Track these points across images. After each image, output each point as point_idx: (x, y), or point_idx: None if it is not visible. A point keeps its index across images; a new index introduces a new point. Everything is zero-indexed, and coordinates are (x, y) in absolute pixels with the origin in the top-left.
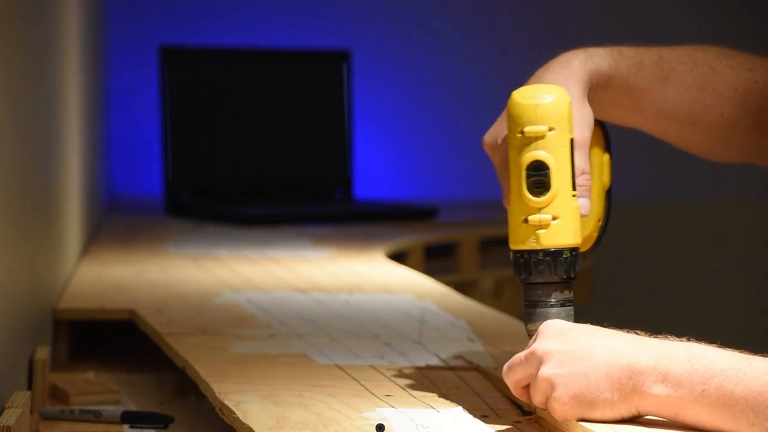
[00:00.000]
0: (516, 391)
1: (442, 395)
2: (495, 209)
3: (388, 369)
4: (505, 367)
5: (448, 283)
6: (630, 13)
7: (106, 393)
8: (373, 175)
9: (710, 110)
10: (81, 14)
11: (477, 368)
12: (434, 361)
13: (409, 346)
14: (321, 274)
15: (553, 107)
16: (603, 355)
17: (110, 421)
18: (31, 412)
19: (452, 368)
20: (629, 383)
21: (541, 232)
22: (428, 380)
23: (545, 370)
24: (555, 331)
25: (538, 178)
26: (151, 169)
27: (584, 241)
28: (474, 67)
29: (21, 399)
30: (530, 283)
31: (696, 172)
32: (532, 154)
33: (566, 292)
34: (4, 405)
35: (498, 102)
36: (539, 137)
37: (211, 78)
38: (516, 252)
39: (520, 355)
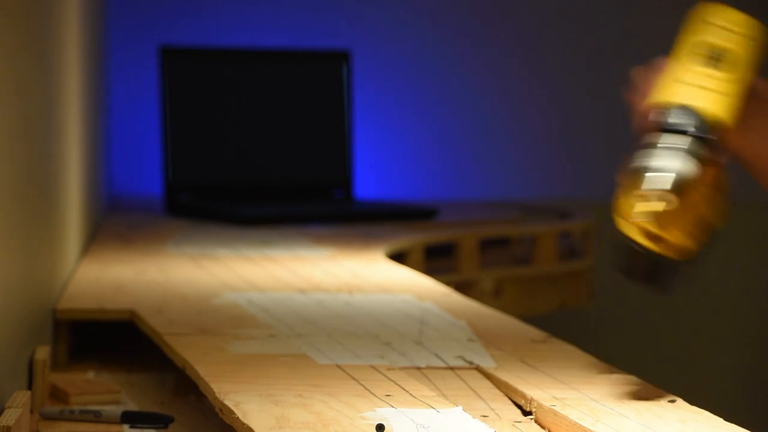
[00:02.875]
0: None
1: (442, 395)
2: (495, 209)
3: (388, 369)
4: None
5: (448, 283)
6: (631, 14)
7: (106, 393)
8: (373, 175)
9: None
10: (81, 14)
11: (477, 368)
12: (434, 361)
13: (409, 346)
14: (321, 274)
15: (752, 22)
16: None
17: (110, 421)
18: (31, 412)
19: (452, 368)
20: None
21: (706, 93)
22: (428, 380)
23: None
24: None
25: (718, 56)
26: (151, 169)
27: (692, 242)
28: (474, 67)
29: (21, 399)
30: (671, 130)
31: None
32: (720, 39)
33: (699, 149)
34: (4, 405)
35: (498, 102)
36: (727, 30)
37: (211, 78)
38: (665, 105)
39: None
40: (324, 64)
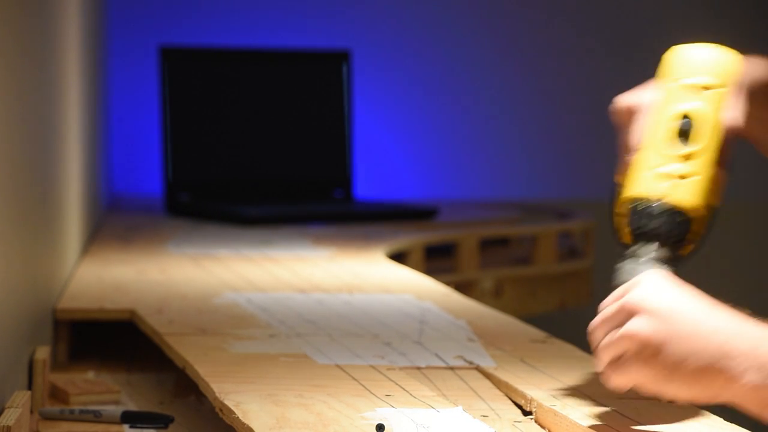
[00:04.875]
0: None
1: (442, 395)
2: (495, 209)
3: (388, 369)
4: (592, 323)
5: (448, 283)
6: (631, 14)
7: (106, 393)
8: (373, 175)
9: None
10: (81, 14)
11: (477, 368)
12: (434, 361)
13: (409, 346)
14: (321, 274)
15: (720, 64)
16: (698, 326)
17: (110, 421)
18: (31, 412)
19: (452, 368)
20: (718, 364)
21: (673, 182)
22: (428, 380)
23: (633, 324)
24: (652, 285)
25: (686, 128)
26: (151, 169)
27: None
28: (474, 67)
29: (21, 399)
30: (643, 233)
31: None
32: (687, 104)
33: (675, 252)
34: (4, 405)
35: (498, 101)
36: (698, 89)
37: (211, 78)
38: (637, 199)
39: (611, 308)
40: (324, 64)
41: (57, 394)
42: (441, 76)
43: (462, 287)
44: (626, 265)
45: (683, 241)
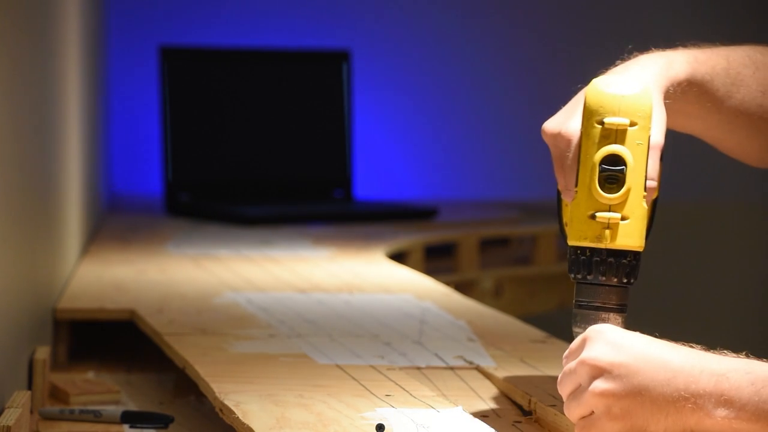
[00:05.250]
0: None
1: (442, 395)
2: (495, 209)
3: (388, 369)
4: (559, 378)
5: (448, 283)
6: (633, 14)
7: (106, 393)
8: (373, 175)
9: None
10: (81, 14)
11: (477, 368)
12: (434, 361)
13: (409, 346)
14: (321, 274)
15: (639, 101)
16: (660, 373)
17: (110, 421)
18: (31, 412)
19: (452, 368)
20: (687, 405)
21: (608, 230)
22: (428, 380)
23: (597, 385)
24: (607, 340)
25: (613, 173)
26: (151, 169)
27: None
28: (474, 67)
29: (21, 399)
30: (586, 283)
31: (695, 173)
32: (610, 148)
33: (623, 296)
34: (4, 405)
35: (498, 101)
36: (620, 130)
37: (211, 78)
38: (577, 248)
39: (571, 365)
40: (324, 64)
41: (57, 394)
42: (441, 76)
43: (462, 287)
44: (577, 315)
45: (630, 280)
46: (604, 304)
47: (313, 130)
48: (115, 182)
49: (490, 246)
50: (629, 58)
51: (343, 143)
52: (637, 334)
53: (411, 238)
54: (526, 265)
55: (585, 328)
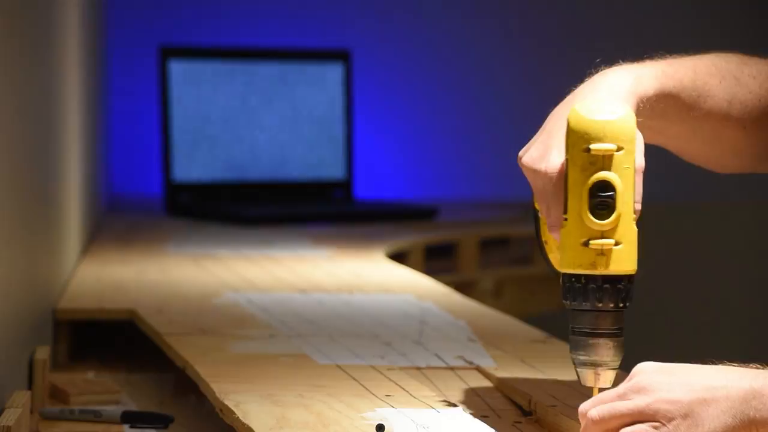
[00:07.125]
0: None
1: (442, 395)
2: (495, 209)
3: (388, 369)
4: (594, 413)
5: (448, 283)
6: (633, 14)
7: (106, 393)
8: (373, 175)
9: (735, 124)
10: (81, 14)
11: (477, 368)
12: (434, 362)
13: (409, 346)
14: (321, 274)
15: (623, 125)
16: (719, 394)
17: (110, 421)
18: (31, 412)
19: (452, 368)
20: (748, 414)
21: (602, 257)
22: (428, 380)
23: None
24: (661, 385)
25: (603, 199)
26: (151, 169)
27: None
28: (474, 66)
29: (21, 399)
30: (582, 310)
31: (695, 173)
32: (600, 175)
33: (618, 320)
34: (4, 405)
35: (498, 101)
36: (607, 156)
37: (211, 78)
38: (571, 276)
39: (620, 407)
40: (324, 64)
41: (57, 394)
42: (441, 75)
43: (462, 287)
44: (575, 342)
45: (626, 303)
46: (601, 329)
47: (313, 130)
48: (115, 182)
49: (490, 246)
50: (595, 72)
51: (343, 143)
52: (675, 366)
53: (411, 238)
54: (526, 265)
55: (588, 356)
